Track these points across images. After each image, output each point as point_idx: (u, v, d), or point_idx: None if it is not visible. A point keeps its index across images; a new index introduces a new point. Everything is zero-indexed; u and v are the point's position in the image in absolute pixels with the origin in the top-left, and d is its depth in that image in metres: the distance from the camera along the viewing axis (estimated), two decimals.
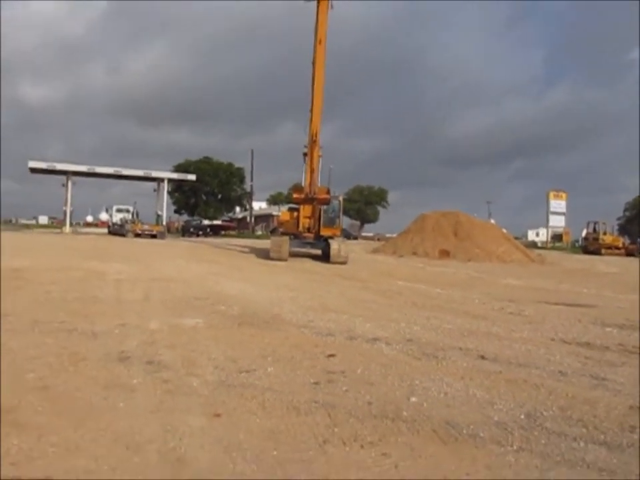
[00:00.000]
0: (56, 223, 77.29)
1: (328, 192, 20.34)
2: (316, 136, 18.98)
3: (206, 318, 7.15)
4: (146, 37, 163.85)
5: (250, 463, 2.93)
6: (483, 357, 5.71)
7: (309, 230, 20.78)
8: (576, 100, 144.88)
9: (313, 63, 19.46)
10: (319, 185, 20.17)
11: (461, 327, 7.54)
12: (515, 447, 3.34)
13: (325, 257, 19.94)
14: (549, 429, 3.66)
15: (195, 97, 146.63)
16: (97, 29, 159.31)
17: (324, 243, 20.39)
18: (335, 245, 19.31)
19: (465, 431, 3.55)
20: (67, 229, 44.29)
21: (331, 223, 21.09)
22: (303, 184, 20.65)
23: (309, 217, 20.73)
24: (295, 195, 20.49)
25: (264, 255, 20.99)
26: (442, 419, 3.75)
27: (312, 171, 19.31)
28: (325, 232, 20.67)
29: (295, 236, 20.63)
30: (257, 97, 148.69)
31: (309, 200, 19.74)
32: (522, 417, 3.88)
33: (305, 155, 20.75)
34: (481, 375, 4.97)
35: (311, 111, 19.50)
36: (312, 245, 21.06)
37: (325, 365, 5.02)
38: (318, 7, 18.62)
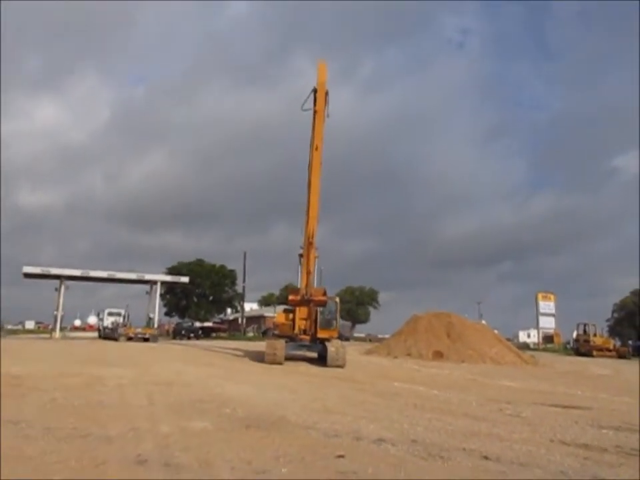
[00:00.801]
0: (42, 328, 76.22)
1: (324, 293, 20.08)
2: (312, 238, 19.07)
3: (213, 421, 7.30)
4: (146, 144, 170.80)
5: None
6: (486, 458, 5.91)
7: (304, 332, 20.29)
8: (560, 206, 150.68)
9: (309, 168, 19.94)
10: (315, 286, 20.11)
11: (462, 429, 7.71)
12: None
13: (322, 360, 19.42)
14: None
15: (190, 201, 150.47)
16: (99, 138, 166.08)
17: (320, 345, 19.88)
18: (332, 348, 18.83)
19: None
20: (57, 334, 43.77)
21: (327, 324, 20.56)
22: (298, 285, 20.47)
23: (305, 319, 20.33)
24: (290, 297, 20.12)
25: (258, 357, 20.75)
26: None
27: (308, 273, 19.19)
28: (321, 334, 20.13)
29: (291, 338, 20.04)
30: (252, 200, 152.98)
31: (305, 302, 19.39)
32: None
33: (301, 256, 20.66)
34: (486, 475, 5.19)
35: (307, 213, 19.72)
36: (308, 348, 20.48)
37: (336, 466, 5.21)
38: (315, 116, 19.23)
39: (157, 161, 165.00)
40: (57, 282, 46.19)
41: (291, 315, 20.79)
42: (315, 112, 19.15)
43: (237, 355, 23.77)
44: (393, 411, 9.33)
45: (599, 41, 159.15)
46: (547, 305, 56.93)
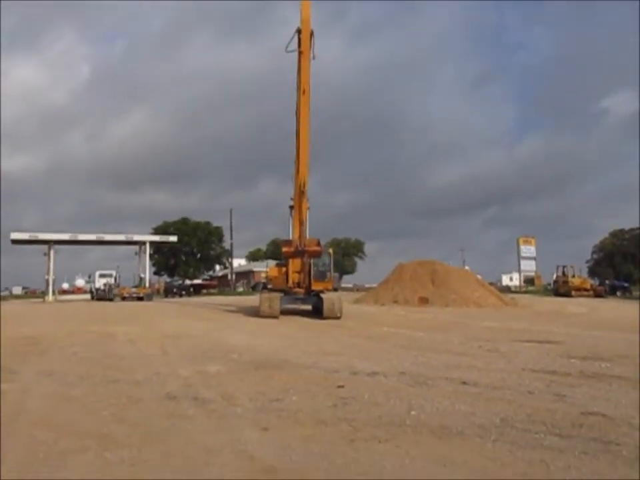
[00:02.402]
0: (30, 293, 76.72)
1: (319, 244, 19.48)
2: (304, 187, 18.53)
3: (224, 365, 8.22)
4: (127, 103, 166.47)
5: (301, 456, 4.03)
6: (465, 383, 6.89)
7: (298, 285, 20.03)
8: (548, 150, 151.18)
9: (297, 115, 19.40)
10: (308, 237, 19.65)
11: (445, 362, 8.72)
12: (492, 439, 4.50)
13: (316, 313, 19.26)
14: (518, 428, 4.84)
15: (174, 159, 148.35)
16: (79, 98, 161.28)
17: (315, 298, 19.65)
18: (328, 300, 18.61)
19: (454, 431, 4.71)
20: (50, 297, 44.44)
21: (322, 276, 20.27)
22: (290, 237, 20.05)
23: (299, 272, 20.07)
24: (284, 249, 19.36)
25: (252, 312, 21.23)
26: (436, 424, 4.91)
27: (301, 223, 18.61)
28: (316, 286, 19.88)
29: (284, 292, 19.81)
30: (237, 154, 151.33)
31: (299, 253, 18.78)
32: (497, 420, 5.05)
33: (291, 207, 20.32)
34: (464, 396, 6.14)
35: (297, 162, 19.15)
36: (303, 301, 20.26)
37: (338, 393, 6.14)
38: (300, 58, 18.53)
39: (140, 119, 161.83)
40: (44, 247, 46.60)
41: (284, 269, 20.84)
42: (300, 53, 18.48)
43: (232, 311, 24.63)
44: (383, 351, 10.33)
45: None
46: (527, 249, 58.62)
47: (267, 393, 6.15)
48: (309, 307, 20.90)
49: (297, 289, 20.10)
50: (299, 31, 18.50)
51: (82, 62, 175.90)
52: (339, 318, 18.25)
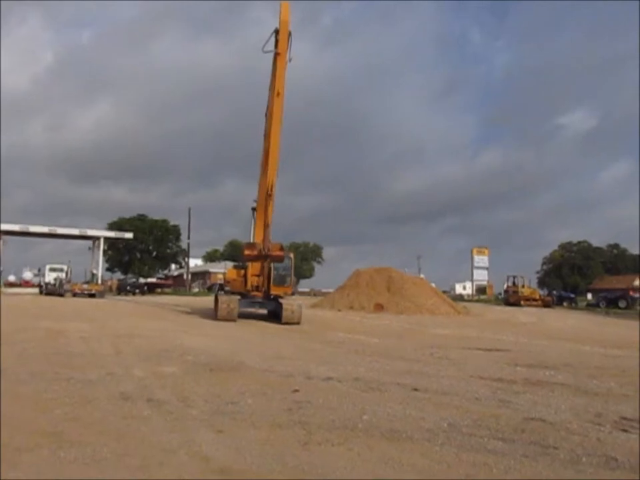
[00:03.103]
0: None
1: (282, 248, 19.00)
2: (271, 190, 18.23)
3: (180, 366, 8.22)
4: (91, 93, 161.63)
5: (256, 458, 4.13)
6: (416, 389, 7.11)
7: (257, 289, 19.89)
8: (506, 162, 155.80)
9: (267, 116, 19.21)
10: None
11: (397, 369, 8.96)
12: (440, 442, 4.71)
13: (275, 317, 19.13)
14: (464, 432, 5.07)
15: (136, 154, 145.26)
16: (40, 85, 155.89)
17: (274, 302, 19.53)
18: (288, 305, 18.48)
19: (404, 435, 4.90)
20: None
21: (281, 281, 20.01)
22: (251, 239, 19.83)
23: (257, 275, 19.96)
24: (246, 252, 18.80)
25: (208, 314, 21.35)
26: (387, 428, 5.09)
27: (266, 226, 18.29)
28: (275, 291, 19.73)
29: (242, 295, 19.57)
30: (200, 153, 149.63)
31: (262, 257, 18.47)
32: (445, 425, 5.27)
33: (254, 209, 20.30)
34: (414, 401, 6.36)
35: (265, 164, 18.96)
36: (260, 305, 20.05)
37: (293, 397, 6.26)
38: (276, 59, 18.25)
39: (103, 110, 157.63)
40: None
41: (242, 271, 20.76)
42: (276, 54, 18.10)
43: (188, 312, 24.37)
44: (338, 356, 10.50)
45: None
46: (481, 259, 60.19)
47: (223, 395, 6.21)
48: (264, 311, 20.62)
49: (255, 293, 19.86)
50: (276, 32, 18.09)
51: (46, 48, 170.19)
52: (298, 324, 18.15)
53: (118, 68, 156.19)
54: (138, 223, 68.51)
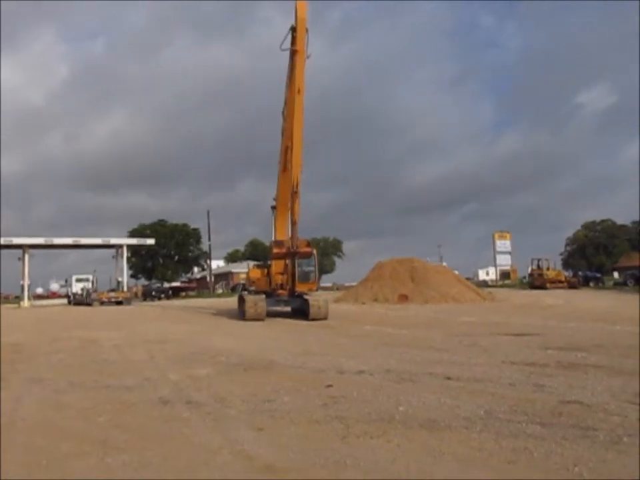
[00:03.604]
0: (3, 298, 75.23)
1: (308, 244, 19.21)
2: (297, 187, 18.26)
3: (213, 368, 8.35)
4: (107, 102, 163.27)
5: (297, 454, 4.21)
6: (448, 378, 7.13)
7: (282, 287, 19.92)
8: (524, 145, 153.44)
9: (286, 114, 19.40)
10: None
11: (428, 359, 8.98)
12: (477, 429, 4.74)
13: (302, 314, 19.04)
14: (501, 419, 5.08)
15: (153, 160, 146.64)
16: (57, 98, 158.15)
17: (299, 299, 19.53)
18: (315, 301, 18.43)
19: (442, 424, 4.93)
20: (26, 303, 43.74)
21: (306, 277, 20.03)
22: (273, 237, 20.29)
23: (282, 273, 20.04)
24: (275, 250, 19.01)
25: (235, 314, 21.48)
26: (424, 418, 5.13)
27: (294, 223, 18.33)
28: (300, 287, 19.75)
29: (267, 294, 19.65)
30: (216, 155, 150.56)
31: (291, 254, 18.60)
32: (482, 412, 5.30)
33: (274, 208, 20.64)
34: (448, 390, 6.38)
35: (285, 161, 19.19)
36: (286, 303, 20.12)
37: (327, 392, 6.33)
38: (295, 57, 18.22)
39: (119, 119, 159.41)
40: (18, 251, 45.84)
41: (265, 270, 20.92)
42: (295, 52, 18.12)
43: (213, 313, 24.63)
44: (367, 349, 10.55)
45: None
46: (503, 244, 59.55)
47: (258, 394, 6.30)
48: (288, 309, 20.66)
49: (280, 291, 19.91)
50: (293, 30, 18.14)
51: (60, 61, 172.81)
52: (325, 319, 18.21)
53: (131, 76, 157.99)
54: (159, 228, 69.12)
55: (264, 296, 19.19)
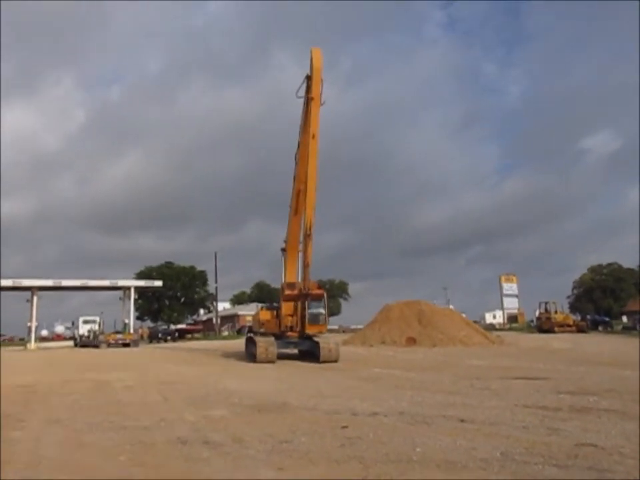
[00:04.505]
0: (8, 340, 74.96)
1: (320, 287, 19.53)
2: (310, 229, 18.47)
3: (228, 409, 8.43)
4: (120, 147, 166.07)
5: None
6: (462, 421, 7.20)
7: (291, 329, 19.83)
8: (529, 189, 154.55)
9: (296, 158, 20.26)
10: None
11: (440, 402, 9.03)
12: (495, 470, 4.82)
13: (311, 356, 19.12)
14: (517, 460, 5.16)
15: (162, 203, 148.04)
16: (72, 142, 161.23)
17: (309, 342, 19.62)
18: (325, 344, 18.58)
19: (459, 465, 5.01)
20: (32, 345, 43.63)
21: (315, 320, 19.73)
22: (283, 279, 20.68)
23: (291, 315, 19.97)
24: (287, 292, 19.21)
25: (243, 356, 21.56)
26: (441, 459, 5.21)
27: (306, 266, 18.56)
28: (311, 330, 19.62)
29: (276, 336, 19.66)
30: (224, 199, 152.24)
31: (303, 296, 18.71)
32: (498, 454, 5.37)
33: (284, 250, 21.18)
34: (463, 432, 6.45)
35: (297, 205, 19.92)
36: (296, 345, 20.09)
37: (343, 433, 6.41)
38: (309, 104, 18.75)
39: (132, 163, 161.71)
40: (26, 293, 46.05)
41: (274, 312, 20.93)
42: (310, 99, 18.67)
43: (222, 355, 24.57)
44: (379, 391, 10.60)
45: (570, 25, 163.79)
46: (510, 287, 59.44)
47: (275, 434, 6.39)
48: (295, 352, 20.63)
49: (291, 333, 19.89)
50: (308, 78, 18.82)
51: (77, 107, 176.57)
52: (335, 362, 18.23)
53: (145, 121, 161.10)
54: (165, 271, 69.49)
55: (273, 339, 19.24)
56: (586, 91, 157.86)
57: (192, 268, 72.59)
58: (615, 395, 9.52)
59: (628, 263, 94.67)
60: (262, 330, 21.08)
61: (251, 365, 18.16)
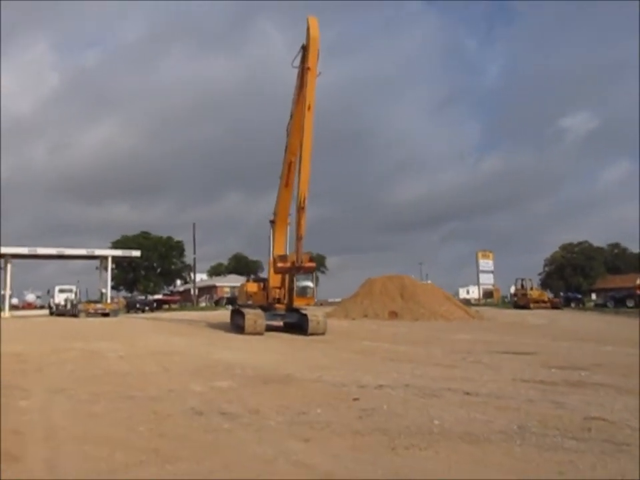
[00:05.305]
0: None
1: (311, 259, 19.02)
2: (303, 202, 18.21)
3: (232, 380, 8.42)
4: (95, 114, 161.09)
5: (353, 464, 4.34)
6: (468, 394, 7.32)
7: (278, 301, 20.09)
8: (507, 167, 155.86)
9: (288, 130, 20.19)
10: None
11: (440, 375, 9.17)
12: (518, 443, 4.92)
13: (298, 329, 19.25)
14: (535, 432, 5.28)
15: (138, 172, 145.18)
16: (45, 107, 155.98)
17: (297, 314, 19.72)
18: (313, 316, 18.71)
19: (481, 437, 5.11)
20: (7, 313, 42.90)
21: (303, 292, 20.10)
22: (271, 252, 20.62)
23: (279, 287, 20.15)
24: (279, 265, 18.80)
25: (228, 327, 21.75)
26: (462, 431, 5.29)
27: (299, 238, 18.31)
28: (299, 302, 19.84)
29: (263, 308, 19.89)
30: (201, 169, 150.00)
31: (296, 269, 18.52)
32: (515, 427, 5.48)
33: (272, 222, 21.16)
34: (473, 405, 6.56)
35: (288, 176, 19.92)
36: (282, 317, 20.31)
37: (356, 405, 6.47)
38: (304, 74, 18.50)
39: (107, 130, 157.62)
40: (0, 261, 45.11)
41: (262, 284, 21.04)
42: (307, 69, 18.28)
43: (207, 326, 24.54)
44: (376, 364, 10.72)
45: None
46: (486, 263, 60.29)
47: (290, 406, 6.40)
48: (280, 324, 20.76)
49: (278, 305, 20.01)
50: (303, 47, 18.62)
51: (51, 70, 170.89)
52: (323, 334, 18.42)
53: (123, 88, 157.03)
54: (142, 240, 68.86)
55: (262, 311, 19.33)
56: (567, 72, 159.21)
57: (169, 238, 72.13)
58: (604, 370, 9.78)
59: (597, 241, 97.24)
60: (249, 302, 21.07)
61: (239, 336, 18.14)
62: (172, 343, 15.46)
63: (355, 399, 6.83)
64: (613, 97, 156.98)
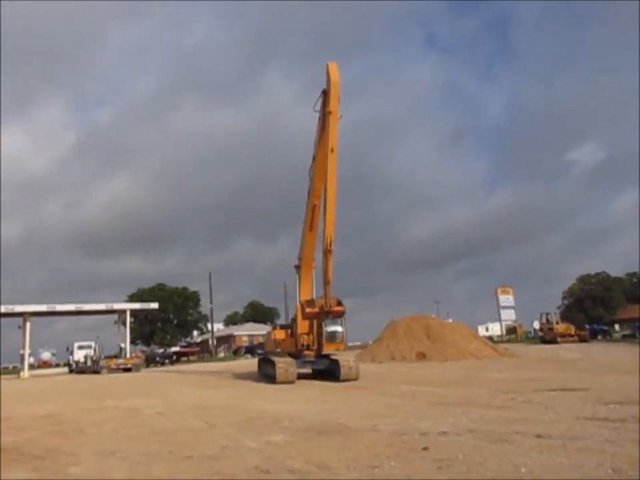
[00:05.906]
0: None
1: (340, 303, 18.81)
2: (330, 245, 18.22)
3: (284, 433, 8.03)
4: (110, 168, 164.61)
5: None
6: (539, 436, 6.92)
7: (308, 347, 19.48)
8: (516, 202, 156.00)
9: (311, 174, 20.58)
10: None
11: (498, 417, 8.74)
12: None
13: (328, 375, 18.82)
14: (632, 476, 4.90)
15: (150, 223, 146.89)
16: (62, 166, 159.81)
17: (327, 360, 19.31)
18: (344, 361, 18.39)
19: None
20: (26, 373, 42.46)
21: (333, 337, 19.29)
22: (298, 297, 20.57)
23: (307, 333, 19.58)
24: (307, 310, 18.78)
25: (255, 377, 21.27)
26: (555, 479, 4.93)
27: (327, 282, 18.26)
28: (328, 348, 19.24)
29: (292, 355, 19.61)
30: (210, 218, 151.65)
31: (324, 313, 18.36)
32: (610, 471, 5.10)
33: (297, 267, 21.37)
34: (552, 449, 6.16)
35: (312, 221, 20.27)
36: (313, 364, 19.67)
37: (428, 455, 6.08)
38: (328, 118, 18.73)
39: (120, 184, 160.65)
40: (18, 319, 44.96)
41: (289, 331, 20.60)
42: (328, 113, 18.71)
43: (234, 377, 24.04)
44: (426, 409, 10.28)
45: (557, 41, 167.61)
46: (506, 299, 59.57)
47: (358, 459, 6.04)
48: (308, 371, 20.20)
49: (307, 352, 19.50)
50: (324, 92, 19.06)
51: (67, 129, 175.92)
52: (356, 380, 17.94)
53: (135, 141, 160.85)
54: (157, 292, 68.74)
55: (292, 359, 19.01)
56: (571, 105, 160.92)
57: (184, 289, 72.00)
58: None
59: (614, 270, 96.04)
60: (277, 350, 20.71)
61: (270, 386, 17.69)
62: (207, 396, 15.04)
63: (425, 449, 6.45)
64: (617, 128, 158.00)
